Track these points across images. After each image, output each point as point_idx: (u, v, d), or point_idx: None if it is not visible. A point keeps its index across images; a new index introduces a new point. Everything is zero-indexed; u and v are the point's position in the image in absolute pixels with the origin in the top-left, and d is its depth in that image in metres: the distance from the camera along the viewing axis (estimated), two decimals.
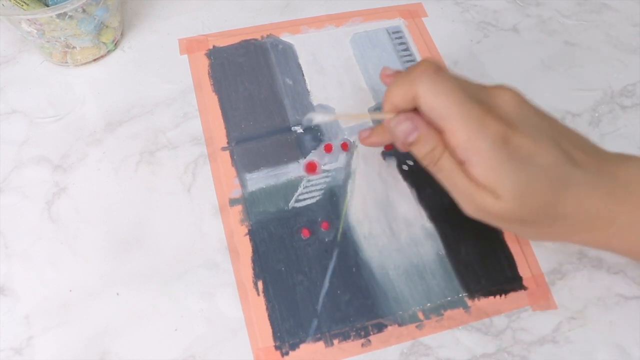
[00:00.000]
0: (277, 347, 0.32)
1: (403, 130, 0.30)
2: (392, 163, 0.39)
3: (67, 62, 0.42)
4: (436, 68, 0.29)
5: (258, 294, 0.34)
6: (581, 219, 0.29)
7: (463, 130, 0.28)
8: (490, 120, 0.28)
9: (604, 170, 0.29)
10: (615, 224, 0.29)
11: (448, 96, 0.28)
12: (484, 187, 0.28)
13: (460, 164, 0.29)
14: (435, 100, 0.28)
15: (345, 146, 0.40)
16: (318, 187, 0.38)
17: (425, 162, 0.30)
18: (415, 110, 0.30)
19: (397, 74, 0.33)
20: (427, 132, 0.29)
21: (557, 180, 0.28)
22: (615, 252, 0.31)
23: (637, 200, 0.29)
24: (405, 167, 0.39)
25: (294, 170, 0.39)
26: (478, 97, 0.29)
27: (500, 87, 0.30)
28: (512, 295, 0.35)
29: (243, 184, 0.38)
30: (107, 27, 0.41)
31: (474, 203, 0.29)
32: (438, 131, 0.29)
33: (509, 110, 0.29)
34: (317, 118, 0.36)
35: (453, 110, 0.28)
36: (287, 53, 0.44)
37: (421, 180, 0.38)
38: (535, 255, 0.36)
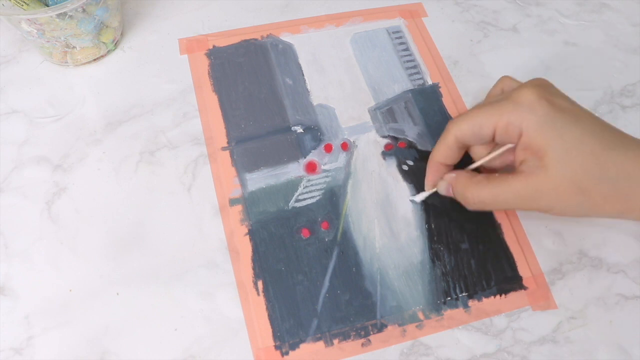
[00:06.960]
0: (277, 347, 0.32)
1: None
2: (392, 163, 0.39)
3: (67, 62, 0.42)
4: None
5: (258, 294, 0.34)
6: (627, 184, 0.29)
7: (514, 110, 0.30)
8: (528, 88, 0.30)
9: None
10: None
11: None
12: (535, 153, 0.29)
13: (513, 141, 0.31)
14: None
15: (345, 146, 0.40)
16: (318, 187, 0.38)
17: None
18: None
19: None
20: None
21: (604, 141, 0.29)
22: None
23: None
24: (405, 167, 0.39)
25: (294, 170, 0.38)
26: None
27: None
28: (512, 295, 0.35)
29: (243, 184, 0.38)
30: (107, 27, 0.41)
31: (526, 187, 0.30)
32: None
33: (540, 84, 0.32)
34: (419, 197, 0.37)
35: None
36: (287, 53, 0.44)
37: (421, 180, 0.38)
38: (535, 255, 0.36)
